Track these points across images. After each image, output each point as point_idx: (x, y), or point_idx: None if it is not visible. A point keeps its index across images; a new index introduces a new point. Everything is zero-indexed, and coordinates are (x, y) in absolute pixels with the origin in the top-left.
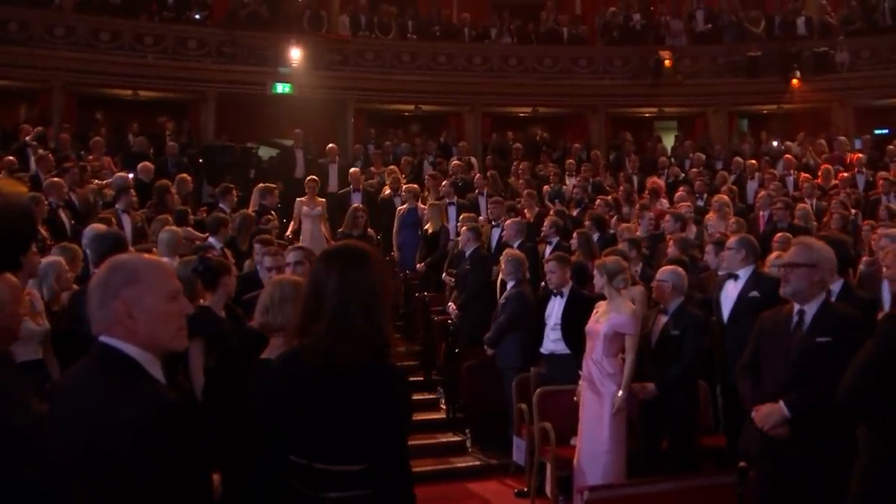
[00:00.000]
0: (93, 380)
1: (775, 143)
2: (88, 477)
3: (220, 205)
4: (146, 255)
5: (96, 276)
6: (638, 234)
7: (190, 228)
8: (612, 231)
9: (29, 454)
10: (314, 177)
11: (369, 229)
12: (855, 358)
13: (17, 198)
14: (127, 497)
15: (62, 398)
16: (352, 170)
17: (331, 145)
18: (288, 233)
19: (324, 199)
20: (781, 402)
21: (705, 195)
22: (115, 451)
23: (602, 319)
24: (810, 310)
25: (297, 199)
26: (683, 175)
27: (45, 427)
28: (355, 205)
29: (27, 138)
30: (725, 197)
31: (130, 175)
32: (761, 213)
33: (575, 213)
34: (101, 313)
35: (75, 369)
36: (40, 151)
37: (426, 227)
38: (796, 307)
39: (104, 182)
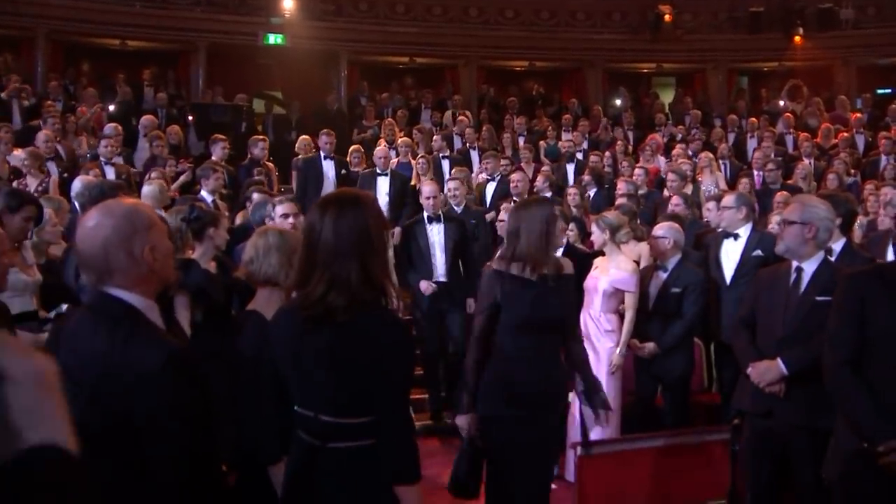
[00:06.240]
0: (97, 331)
1: (782, 103)
2: (96, 428)
3: (213, 156)
4: (135, 200)
5: (97, 227)
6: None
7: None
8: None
9: None
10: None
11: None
12: (826, 331)
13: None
14: (138, 446)
15: (65, 350)
16: (427, 187)
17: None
18: None
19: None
20: (779, 359)
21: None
22: (126, 400)
23: (602, 275)
24: (809, 268)
25: None
26: (680, 136)
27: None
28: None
29: (2, 95)
30: (711, 154)
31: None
32: (756, 172)
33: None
34: (125, 262)
35: (74, 320)
36: (25, 103)
37: (413, 181)
38: (794, 264)
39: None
